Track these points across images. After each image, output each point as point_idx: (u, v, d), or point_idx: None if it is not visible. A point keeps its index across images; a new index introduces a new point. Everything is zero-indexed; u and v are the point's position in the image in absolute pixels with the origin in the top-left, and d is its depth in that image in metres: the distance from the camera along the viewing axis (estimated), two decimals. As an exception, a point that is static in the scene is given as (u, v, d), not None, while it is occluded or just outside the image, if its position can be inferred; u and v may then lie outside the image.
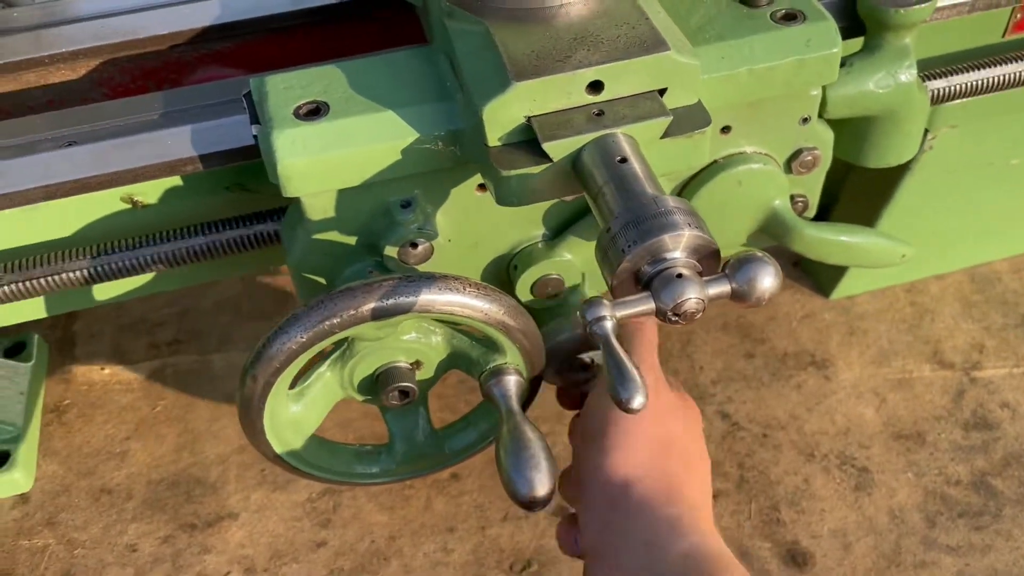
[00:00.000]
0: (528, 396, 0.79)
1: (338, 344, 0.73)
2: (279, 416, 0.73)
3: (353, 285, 0.64)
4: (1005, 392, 1.07)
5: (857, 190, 1.12)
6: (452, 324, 0.74)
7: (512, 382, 0.75)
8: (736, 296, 0.55)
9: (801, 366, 1.12)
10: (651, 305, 0.54)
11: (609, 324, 0.55)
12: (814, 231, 0.85)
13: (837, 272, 1.17)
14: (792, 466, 1.03)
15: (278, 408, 0.72)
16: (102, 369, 1.19)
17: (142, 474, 1.07)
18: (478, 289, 0.66)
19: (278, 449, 0.75)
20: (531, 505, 0.64)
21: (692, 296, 0.53)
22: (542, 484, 0.64)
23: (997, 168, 1.10)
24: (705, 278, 0.55)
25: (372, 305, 0.63)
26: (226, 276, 1.12)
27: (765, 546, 0.96)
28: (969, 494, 0.99)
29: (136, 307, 1.26)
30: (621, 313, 0.55)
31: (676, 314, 0.54)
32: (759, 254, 0.57)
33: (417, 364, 0.76)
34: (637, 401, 0.51)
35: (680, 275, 0.54)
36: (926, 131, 1.01)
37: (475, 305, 0.66)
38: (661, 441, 0.65)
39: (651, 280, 0.55)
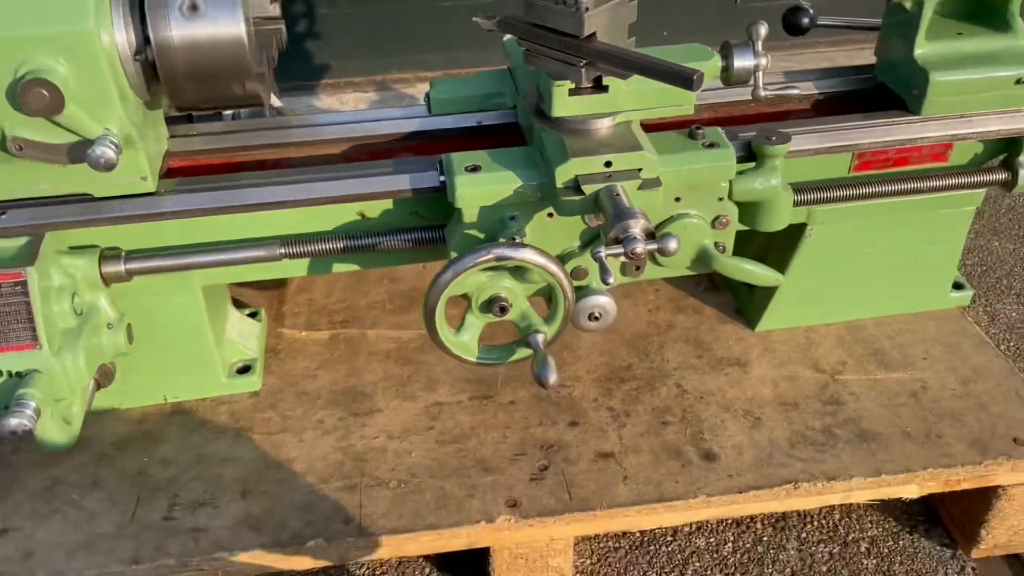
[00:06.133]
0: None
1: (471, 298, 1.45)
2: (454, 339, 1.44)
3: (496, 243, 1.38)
4: (853, 387, 1.74)
5: (772, 261, 1.82)
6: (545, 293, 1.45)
7: (541, 338, 1.47)
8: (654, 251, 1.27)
9: (730, 364, 1.81)
10: (621, 249, 1.25)
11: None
12: (726, 260, 1.56)
13: (760, 313, 1.87)
14: (716, 413, 1.70)
15: (448, 334, 1.43)
16: (300, 333, 1.92)
17: (326, 387, 1.78)
18: (549, 256, 1.38)
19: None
20: (549, 386, 1.35)
21: (639, 246, 1.25)
22: (556, 376, 1.35)
23: (857, 254, 1.80)
24: (647, 243, 1.27)
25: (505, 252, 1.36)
26: (406, 263, 1.78)
27: (691, 449, 1.62)
28: (819, 435, 1.65)
29: (319, 301, 2.00)
30: (608, 250, 1.26)
31: (630, 255, 1.25)
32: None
33: (508, 304, 1.47)
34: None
35: (636, 237, 1.26)
36: (805, 224, 1.73)
37: (545, 263, 1.38)
38: None
39: (623, 240, 1.27)
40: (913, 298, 1.88)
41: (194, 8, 1.32)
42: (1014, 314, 2.36)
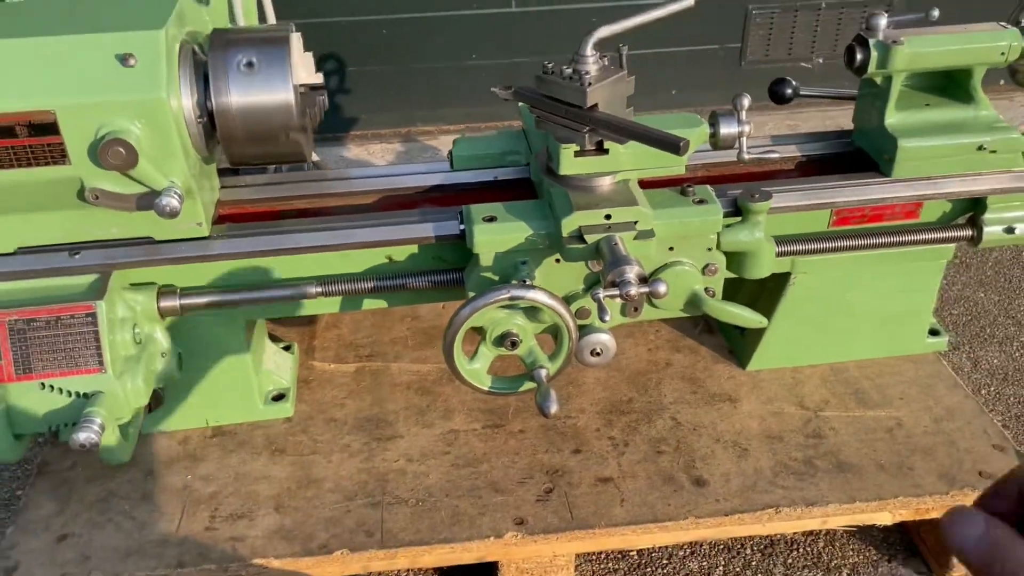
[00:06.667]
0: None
1: (485, 333, 1.62)
2: (468, 367, 1.62)
3: (507, 284, 1.56)
4: (834, 423, 1.90)
5: (761, 306, 2.00)
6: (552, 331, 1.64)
7: (544, 373, 1.64)
8: (646, 294, 1.45)
9: (722, 400, 1.97)
10: (617, 291, 1.43)
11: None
12: (715, 303, 1.73)
13: (751, 353, 2.04)
14: (707, 444, 1.86)
15: (464, 364, 1.61)
16: (329, 365, 2.10)
17: (352, 414, 1.96)
18: (556, 297, 1.57)
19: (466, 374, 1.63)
20: (550, 416, 1.52)
21: (633, 289, 1.43)
22: (556, 407, 1.52)
23: (839, 300, 1.97)
24: (640, 286, 1.45)
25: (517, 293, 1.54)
26: (428, 302, 1.97)
27: (683, 476, 1.78)
28: (800, 465, 1.80)
29: (347, 337, 2.19)
30: (605, 292, 1.44)
31: (624, 297, 1.43)
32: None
33: (519, 339, 1.65)
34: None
35: (630, 281, 1.44)
36: (790, 273, 1.91)
37: (551, 303, 1.56)
38: None
39: (619, 284, 1.45)
40: (892, 343, 2.05)
41: (250, 65, 1.53)
42: (996, 360, 2.51)
